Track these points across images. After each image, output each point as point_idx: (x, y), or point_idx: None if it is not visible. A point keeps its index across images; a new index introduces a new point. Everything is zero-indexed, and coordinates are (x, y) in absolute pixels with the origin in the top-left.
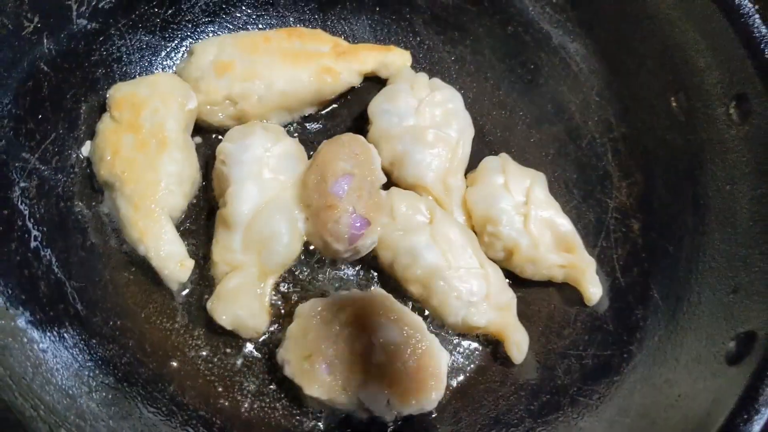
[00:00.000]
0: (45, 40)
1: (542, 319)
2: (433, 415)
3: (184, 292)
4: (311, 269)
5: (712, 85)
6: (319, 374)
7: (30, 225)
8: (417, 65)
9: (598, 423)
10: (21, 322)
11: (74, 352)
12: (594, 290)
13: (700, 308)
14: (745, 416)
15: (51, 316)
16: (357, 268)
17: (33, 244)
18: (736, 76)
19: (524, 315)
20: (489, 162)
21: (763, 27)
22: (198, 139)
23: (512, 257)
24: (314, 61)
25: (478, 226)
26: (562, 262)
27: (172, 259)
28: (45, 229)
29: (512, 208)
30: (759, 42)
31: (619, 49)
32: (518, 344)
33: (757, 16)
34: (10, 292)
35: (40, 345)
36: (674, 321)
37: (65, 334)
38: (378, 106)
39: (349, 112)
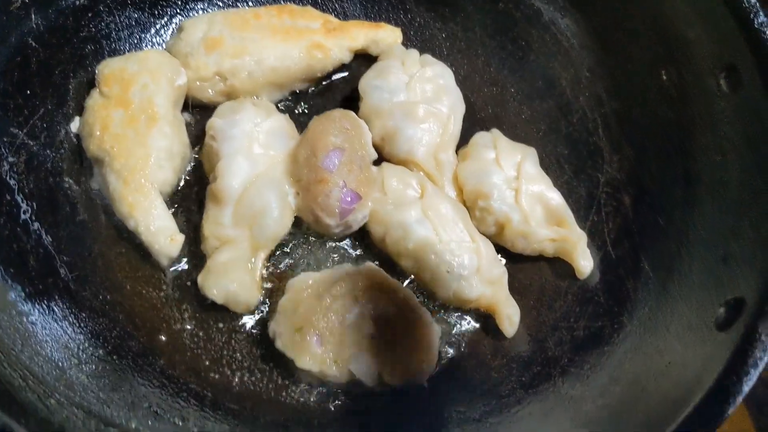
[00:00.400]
0: (33, 16)
1: (534, 293)
2: (425, 387)
3: (175, 267)
4: (303, 244)
5: (702, 58)
6: (311, 347)
7: (19, 199)
8: (408, 42)
9: (589, 392)
10: (11, 296)
11: (63, 325)
12: (585, 263)
13: (690, 278)
14: (734, 377)
15: (40, 290)
16: (348, 243)
17: (22, 218)
18: (726, 47)
19: (516, 288)
20: (480, 137)
21: None
22: (188, 116)
23: (503, 231)
24: (305, 38)
25: (469, 201)
26: (553, 236)
27: (162, 234)
28: (34, 203)
29: (503, 182)
30: (748, 12)
31: (610, 24)
32: (510, 317)
33: None
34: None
35: (30, 317)
36: (664, 291)
37: (55, 307)
38: (369, 82)
39: (340, 88)
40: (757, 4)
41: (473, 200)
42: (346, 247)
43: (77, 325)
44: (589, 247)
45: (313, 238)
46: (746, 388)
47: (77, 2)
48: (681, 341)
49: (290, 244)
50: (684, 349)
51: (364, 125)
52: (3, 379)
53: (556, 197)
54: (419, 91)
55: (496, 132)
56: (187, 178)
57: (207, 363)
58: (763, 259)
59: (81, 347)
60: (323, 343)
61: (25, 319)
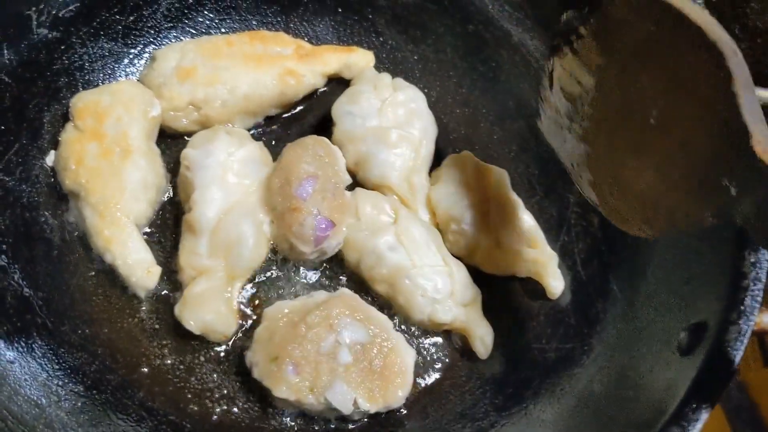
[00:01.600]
0: (5, 51)
1: (507, 314)
2: (401, 412)
3: (152, 299)
4: (278, 272)
5: None
6: (287, 376)
7: None
8: (380, 65)
9: (559, 414)
10: None
11: (42, 362)
12: (556, 284)
13: (655, 300)
14: (694, 405)
15: (18, 327)
16: (323, 270)
17: None
18: None
19: (490, 310)
20: (452, 160)
21: None
22: (162, 146)
23: (476, 254)
24: (277, 64)
25: (442, 224)
26: (524, 257)
27: (139, 267)
28: (10, 240)
29: (474, 205)
30: None
31: None
32: (483, 339)
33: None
34: None
35: (7, 356)
36: (632, 314)
37: (33, 345)
38: (341, 108)
39: (313, 114)
40: None
41: (446, 223)
42: (321, 274)
43: (56, 361)
44: (560, 268)
45: (289, 266)
46: (705, 415)
47: (49, 35)
48: (647, 365)
49: (266, 273)
50: (650, 373)
51: (338, 151)
52: None
53: (527, 219)
54: (391, 115)
55: (467, 154)
56: (164, 208)
57: (186, 394)
58: (723, 283)
59: (60, 383)
60: (299, 372)
61: (2, 359)
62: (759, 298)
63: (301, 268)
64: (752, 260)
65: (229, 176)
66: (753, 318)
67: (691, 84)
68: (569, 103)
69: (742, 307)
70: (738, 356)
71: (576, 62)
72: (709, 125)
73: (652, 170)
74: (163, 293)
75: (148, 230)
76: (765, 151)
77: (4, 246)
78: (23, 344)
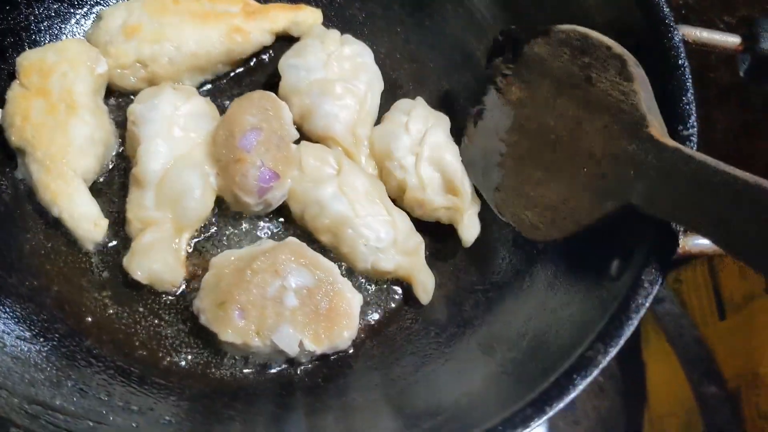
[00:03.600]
0: None
1: (452, 260)
2: (348, 353)
3: (101, 252)
4: (225, 223)
5: (598, 20)
6: (233, 320)
7: None
8: (328, 22)
9: (498, 347)
10: None
11: None
12: (467, 234)
13: (590, 234)
14: (617, 322)
15: None
16: (270, 221)
17: None
18: (620, 10)
19: (435, 257)
20: (400, 103)
21: None
22: (113, 102)
23: (403, 196)
24: (224, 21)
25: (378, 164)
26: (446, 204)
27: (86, 220)
28: None
29: (407, 147)
30: None
31: None
32: (425, 286)
33: None
34: None
35: None
36: (568, 248)
37: None
38: (287, 61)
39: (263, 71)
40: None
41: (381, 163)
42: (267, 224)
43: (3, 311)
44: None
45: (235, 218)
46: (628, 331)
47: None
48: (580, 296)
49: (213, 224)
50: (583, 302)
51: (284, 105)
52: None
53: (454, 164)
54: (337, 69)
55: (419, 100)
56: (114, 164)
57: (134, 342)
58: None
59: (6, 330)
60: (245, 316)
61: None
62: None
63: (248, 219)
64: None
65: (175, 130)
66: (677, 242)
67: (602, 96)
68: (490, 135)
69: (666, 231)
70: (660, 278)
71: (499, 99)
72: (612, 125)
73: (561, 180)
74: (111, 245)
75: (99, 185)
76: (660, 135)
77: None
78: None
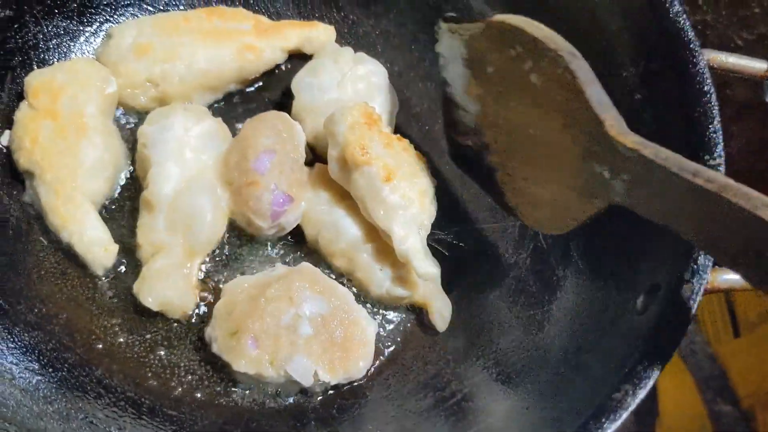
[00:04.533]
0: None
1: (468, 285)
2: (363, 383)
3: (111, 277)
4: (237, 248)
5: (622, 47)
6: (246, 350)
7: None
8: (342, 40)
9: (521, 380)
10: None
11: None
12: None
13: (613, 265)
14: (646, 363)
15: None
16: (283, 245)
17: None
18: (644, 36)
19: (450, 282)
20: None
21: None
22: (122, 121)
23: None
24: (235, 39)
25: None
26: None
27: (96, 245)
28: None
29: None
30: (664, 2)
31: (536, 15)
32: (441, 313)
33: None
34: None
35: None
36: (590, 279)
37: None
38: (301, 81)
39: (274, 90)
40: None
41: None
42: (280, 248)
43: (11, 339)
44: (522, 238)
45: (247, 242)
46: (656, 373)
47: (2, 14)
48: (605, 327)
49: (225, 248)
50: (608, 336)
51: (298, 126)
52: None
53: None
54: (351, 89)
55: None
56: (123, 186)
57: (144, 371)
58: (675, 245)
59: (15, 362)
60: (259, 345)
61: None
62: (711, 258)
63: (261, 243)
64: None
65: (186, 152)
66: (705, 277)
67: (549, 95)
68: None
69: (694, 266)
70: (690, 315)
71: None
72: (571, 127)
73: (547, 178)
74: (121, 271)
75: (108, 208)
76: (619, 133)
77: None
78: None
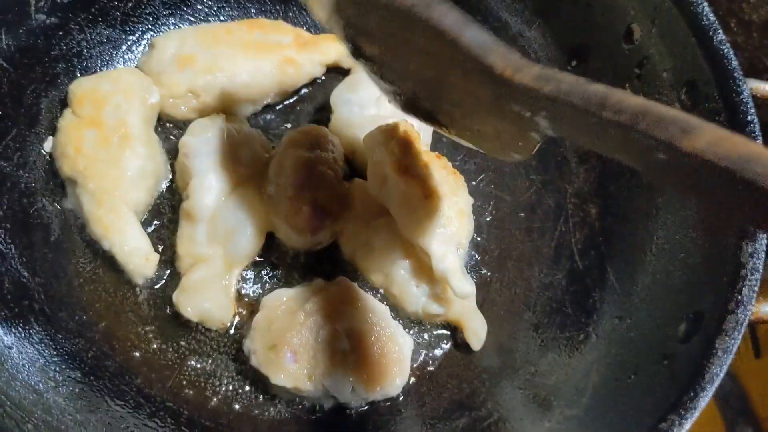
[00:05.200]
0: (3, 36)
1: (503, 304)
2: (398, 399)
3: (150, 286)
4: (275, 260)
5: (665, 73)
6: (285, 363)
7: None
8: None
9: (556, 403)
10: None
11: (40, 348)
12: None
13: (653, 290)
14: (691, 394)
15: (16, 313)
16: (320, 258)
17: None
18: (687, 63)
19: (485, 300)
20: None
21: (711, 15)
22: (160, 133)
23: None
24: (276, 53)
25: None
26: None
27: (137, 254)
28: (8, 225)
29: None
30: (708, 30)
31: (575, 37)
32: (476, 332)
33: (705, 4)
34: None
35: (5, 342)
36: (629, 303)
37: (31, 330)
38: (340, 96)
39: (311, 102)
40: (717, 23)
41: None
42: (317, 262)
43: (53, 347)
44: (557, 258)
45: (285, 255)
46: (703, 403)
47: (47, 21)
48: (644, 354)
49: (263, 261)
50: (647, 362)
51: (336, 141)
52: None
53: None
54: (389, 105)
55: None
56: (162, 195)
57: (182, 381)
58: (721, 273)
59: (57, 369)
60: (297, 359)
61: (0, 344)
62: (756, 288)
63: (297, 256)
64: (750, 250)
65: (227, 164)
66: (750, 308)
67: (430, 51)
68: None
69: (739, 297)
70: (735, 345)
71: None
72: (469, 74)
73: (481, 117)
74: (161, 281)
75: (146, 217)
76: (515, 73)
77: (2, 231)
78: (21, 330)
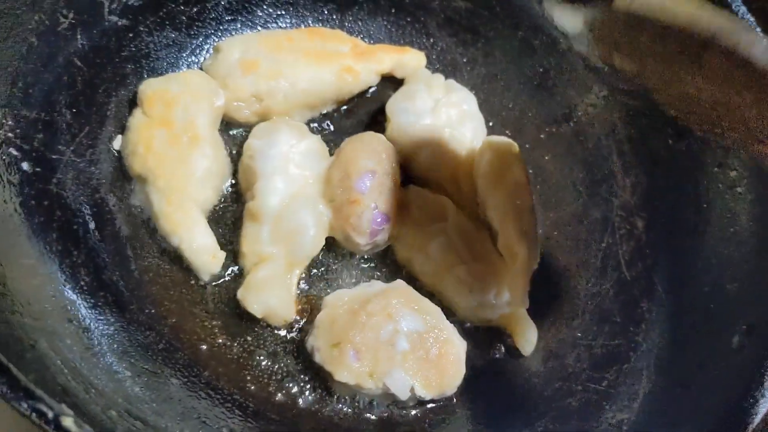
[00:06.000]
0: (78, 36)
1: (552, 311)
2: (453, 401)
3: (215, 282)
4: (333, 261)
5: None
6: (348, 361)
7: (69, 215)
8: (431, 66)
9: (609, 407)
10: (70, 309)
11: (117, 338)
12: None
13: (702, 302)
14: (751, 400)
15: (93, 303)
16: (376, 261)
17: (73, 233)
18: None
19: (535, 306)
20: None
21: (758, 29)
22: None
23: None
24: (335, 61)
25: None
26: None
27: (205, 252)
28: (80, 220)
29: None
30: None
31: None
32: (527, 337)
33: (750, 16)
34: (56, 280)
35: (87, 331)
36: (678, 314)
37: (106, 321)
38: (396, 105)
39: (365, 110)
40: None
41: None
42: (374, 264)
43: (128, 338)
44: (604, 269)
45: (343, 257)
46: (763, 409)
47: (119, 23)
48: (696, 363)
49: (322, 261)
50: (699, 371)
51: (393, 149)
52: (71, 392)
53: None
54: (444, 115)
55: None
56: (225, 196)
57: (248, 376)
58: None
59: (133, 360)
60: (360, 357)
61: (83, 333)
62: None
63: (356, 258)
64: None
65: (291, 167)
66: None
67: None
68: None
69: None
70: None
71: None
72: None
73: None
74: (225, 278)
75: (210, 215)
76: None
77: (74, 226)
78: (98, 320)
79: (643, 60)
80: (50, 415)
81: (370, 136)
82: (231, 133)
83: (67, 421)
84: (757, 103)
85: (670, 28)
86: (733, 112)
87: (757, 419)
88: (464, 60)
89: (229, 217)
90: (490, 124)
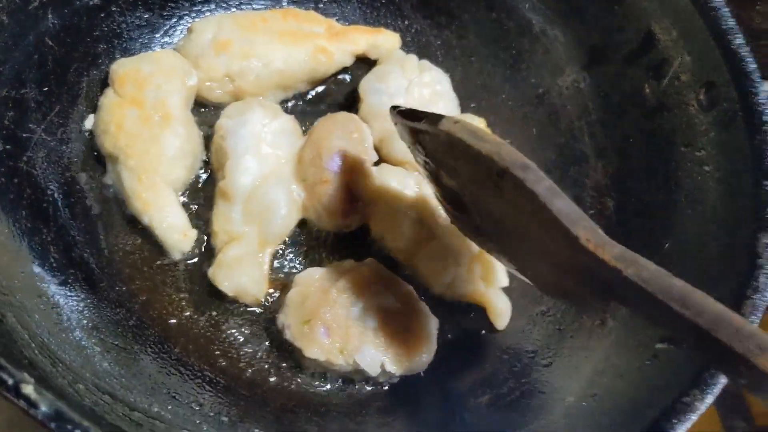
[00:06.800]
0: (49, 15)
1: (525, 287)
2: (423, 376)
3: (186, 261)
4: (306, 240)
5: (684, 74)
6: (318, 337)
7: (39, 193)
8: (405, 48)
9: (577, 383)
10: (39, 285)
11: (86, 314)
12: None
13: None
14: (712, 371)
15: (62, 280)
16: (349, 239)
17: (43, 210)
18: (706, 65)
19: (509, 283)
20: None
21: (731, 20)
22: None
23: None
24: (310, 42)
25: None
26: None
27: (175, 230)
28: (50, 199)
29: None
30: (727, 33)
31: (597, 37)
32: (501, 311)
33: (726, 9)
34: (25, 257)
35: (56, 307)
36: None
37: (76, 298)
38: (369, 85)
39: (338, 91)
40: (736, 27)
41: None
42: (346, 243)
43: (97, 314)
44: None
45: (316, 235)
46: (723, 380)
47: (91, 2)
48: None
49: (295, 240)
50: (666, 346)
51: (366, 128)
52: (38, 365)
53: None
54: (417, 95)
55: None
56: (197, 174)
57: (218, 352)
58: (738, 265)
59: (102, 336)
60: (330, 334)
61: (52, 309)
62: None
63: (327, 237)
64: (766, 241)
65: (263, 147)
66: (767, 294)
67: (519, 204)
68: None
69: (756, 284)
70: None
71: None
72: (550, 236)
73: (540, 266)
74: (196, 256)
75: (183, 195)
76: (597, 247)
77: (44, 204)
78: (67, 296)
79: (460, 178)
80: (10, 382)
81: (343, 116)
82: (203, 111)
83: (27, 389)
84: (545, 234)
85: (480, 154)
86: (530, 239)
87: (724, 380)
88: (438, 42)
89: (203, 197)
90: (465, 105)
